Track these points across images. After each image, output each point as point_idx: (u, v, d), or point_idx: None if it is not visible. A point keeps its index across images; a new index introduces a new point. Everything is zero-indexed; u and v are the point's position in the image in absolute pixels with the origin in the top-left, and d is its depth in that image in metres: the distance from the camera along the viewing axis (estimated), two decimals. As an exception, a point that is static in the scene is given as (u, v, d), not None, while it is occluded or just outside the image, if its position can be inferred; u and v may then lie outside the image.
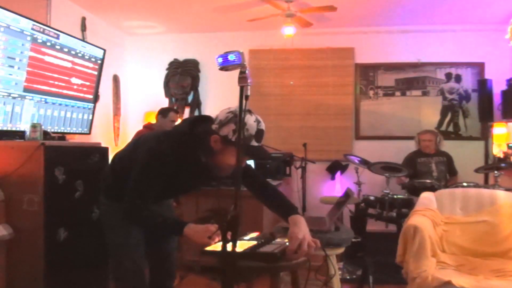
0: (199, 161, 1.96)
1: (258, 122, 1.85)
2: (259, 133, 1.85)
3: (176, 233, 1.98)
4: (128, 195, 1.93)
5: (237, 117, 1.81)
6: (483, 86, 5.12)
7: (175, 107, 5.63)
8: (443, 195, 3.39)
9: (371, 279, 3.54)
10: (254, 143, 1.85)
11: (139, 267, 2.19)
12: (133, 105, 5.97)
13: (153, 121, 4.79)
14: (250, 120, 1.82)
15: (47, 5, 4.15)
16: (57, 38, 3.50)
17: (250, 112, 1.82)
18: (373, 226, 4.49)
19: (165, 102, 5.78)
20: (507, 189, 3.65)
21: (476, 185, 4.05)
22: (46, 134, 3.15)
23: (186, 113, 5.79)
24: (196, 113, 5.80)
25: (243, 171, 2.00)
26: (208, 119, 1.98)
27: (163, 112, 4.55)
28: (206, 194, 3.67)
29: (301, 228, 1.86)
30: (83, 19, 4.81)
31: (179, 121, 4.75)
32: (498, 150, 5.12)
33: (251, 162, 4.50)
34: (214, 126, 1.88)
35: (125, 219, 1.99)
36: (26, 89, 3.20)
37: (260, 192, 2.14)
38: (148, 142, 2.02)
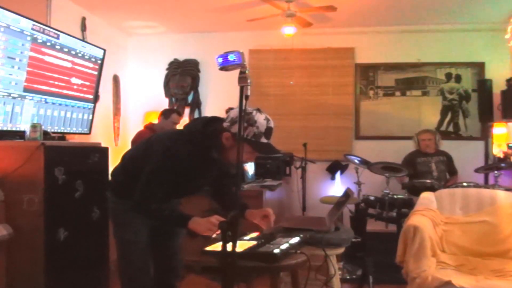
0: (212, 158, 2.06)
1: (267, 120, 1.96)
2: (268, 131, 1.97)
3: (181, 226, 2.10)
4: (139, 189, 2.00)
5: (247, 115, 1.91)
6: (483, 86, 5.12)
7: (175, 107, 5.64)
8: (443, 195, 3.39)
9: (371, 279, 3.54)
10: (263, 139, 1.95)
11: (147, 265, 2.23)
12: (133, 105, 5.97)
13: (155, 121, 4.78)
14: (260, 118, 1.93)
15: (47, 5, 4.14)
16: (57, 38, 3.50)
17: (259, 110, 1.95)
18: (373, 226, 4.48)
19: (165, 102, 5.78)
20: (507, 189, 3.65)
21: (476, 185, 4.04)
22: (46, 134, 3.15)
23: (186, 113, 5.77)
24: (196, 113, 5.79)
25: (222, 176, 2.20)
26: (218, 120, 2.08)
27: (165, 113, 4.55)
28: (205, 194, 3.67)
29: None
30: (83, 19, 4.81)
31: (181, 122, 4.76)
32: (498, 150, 5.11)
33: (250, 163, 4.50)
34: (225, 124, 1.98)
35: (133, 211, 2.05)
36: (26, 89, 3.20)
37: (218, 194, 2.35)
38: (162, 141, 2.11)
